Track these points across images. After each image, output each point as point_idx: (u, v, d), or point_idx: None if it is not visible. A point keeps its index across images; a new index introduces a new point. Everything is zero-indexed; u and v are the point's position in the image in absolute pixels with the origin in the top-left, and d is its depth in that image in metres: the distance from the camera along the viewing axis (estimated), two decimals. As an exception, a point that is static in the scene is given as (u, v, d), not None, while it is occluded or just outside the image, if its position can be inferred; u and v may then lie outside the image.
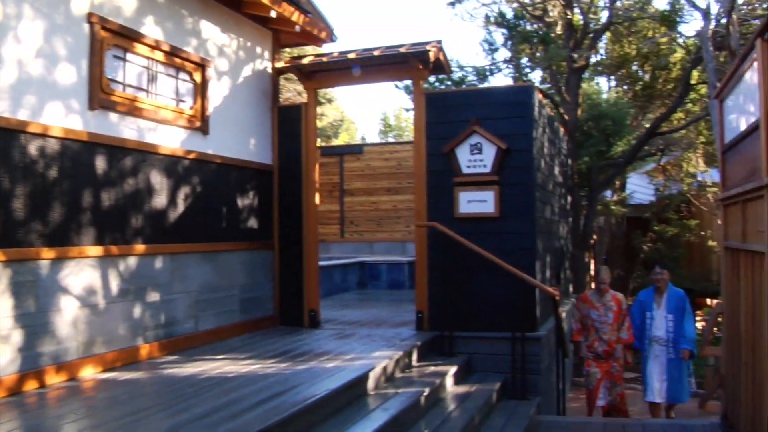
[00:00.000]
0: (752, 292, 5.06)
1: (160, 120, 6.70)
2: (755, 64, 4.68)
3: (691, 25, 51.72)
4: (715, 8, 12.24)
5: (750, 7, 13.33)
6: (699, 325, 16.21)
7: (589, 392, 8.40)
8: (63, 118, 5.58)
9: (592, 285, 9.34)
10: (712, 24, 11.77)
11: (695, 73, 15.14)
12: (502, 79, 42.28)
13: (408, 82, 14.95)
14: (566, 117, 15.19)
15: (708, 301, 17.26)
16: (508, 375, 7.45)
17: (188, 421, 4.31)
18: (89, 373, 5.72)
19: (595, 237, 17.99)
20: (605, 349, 8.25)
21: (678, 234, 17.64)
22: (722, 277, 6.64)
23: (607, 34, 16.94)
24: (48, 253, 5.40)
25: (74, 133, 5.66)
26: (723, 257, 6.49)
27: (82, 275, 5.73)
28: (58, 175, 5.53)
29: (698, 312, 17.15)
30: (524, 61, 17.39)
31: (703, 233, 18.60)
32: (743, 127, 5.35)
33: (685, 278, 16.80)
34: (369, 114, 74.50)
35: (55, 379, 5.38)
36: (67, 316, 5.56)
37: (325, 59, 8.35)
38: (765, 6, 12.90)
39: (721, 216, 6.60)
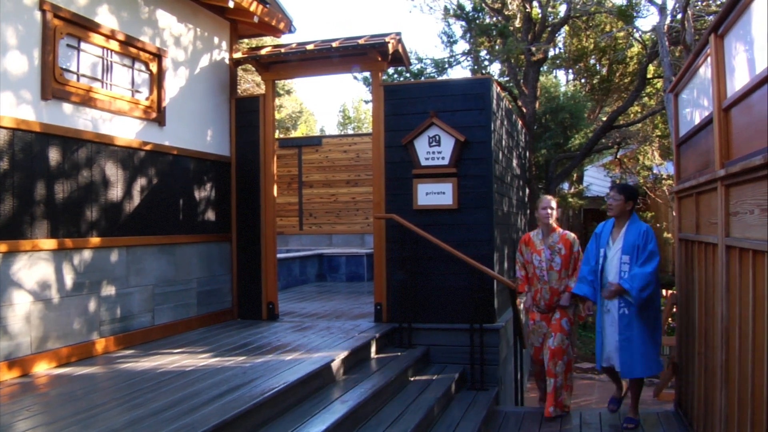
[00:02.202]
0: (705, 283, 5.15)
1: (115, 111, 6.60)
2: (709, 59, 4.75)
3: (647, 20, 52.38)
4: (670, 4, 12.39)
5: (704, 3, 13.54)
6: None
7: (535, 350, 6.92)
8: (14, 108, 5.46)
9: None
10: (668, 19, 11.92)
11: (651, 68, 15.34)
12: (460, 72, 42.56)
13: (367, 73, 14.92)
14: (524, 109, 15.30)
15: (663, 291, 17.51)
16: (466, 366, 7.50)
17: (145, 416, 4.26)
18: (43, 368, 5.63)
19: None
20: (547, 303, 6.74)
21: (634, 226, 17.83)
22: (676, 268, 6.74)
23: (565, 27, 17.10)
24: (0, 247, 5.29)
25: (26, 124, 5.54)
26: (677, 249, 6.58)
27: (35, 269, 5.63)
28: (10, 166, 5.41)
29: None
30: (483, 53, 17.46)
31: (658, 225, 18.88)
32: (697, 120, 5.44)
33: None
34: (328, 106, 74.42)
35: (7, 376, 5.28)
36: (20, 311, 5.46)
37: (283, 50, 8.29)
38: (719, 2, 13.10)
39: (675, 208, 6.70)
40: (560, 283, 6.70)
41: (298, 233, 16.26)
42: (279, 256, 9.54)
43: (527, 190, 13.18)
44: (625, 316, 5.98)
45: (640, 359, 5.94)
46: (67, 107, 6.03)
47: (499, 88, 8.83)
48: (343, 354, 6.25)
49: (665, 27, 11.55)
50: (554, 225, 6.82)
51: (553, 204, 6.81)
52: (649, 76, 15.31)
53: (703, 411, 5.21)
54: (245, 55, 8.64)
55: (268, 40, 18.71)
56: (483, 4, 16.30)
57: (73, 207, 6.09)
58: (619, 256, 6.11)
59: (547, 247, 6.75)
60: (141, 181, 6.97)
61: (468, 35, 17.15)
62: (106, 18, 6.51)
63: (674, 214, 7.22)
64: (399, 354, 7.29)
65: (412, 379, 6.94)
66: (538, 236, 6.84)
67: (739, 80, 4.00)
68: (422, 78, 16.22)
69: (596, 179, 21.22)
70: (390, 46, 7.83)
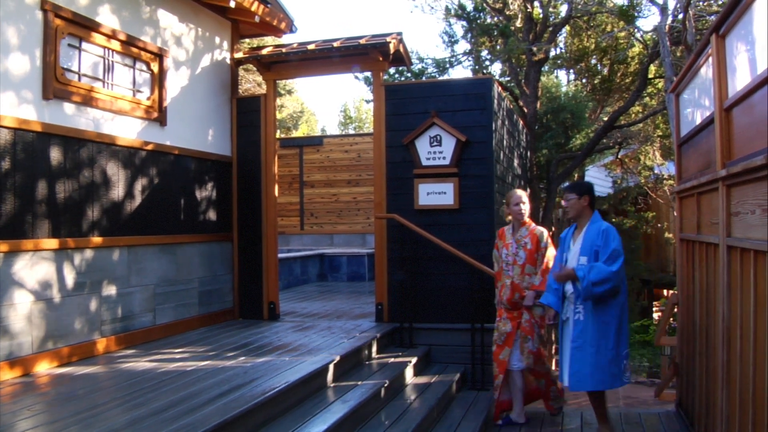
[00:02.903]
0: (706, 283, 5.15)
1: (116, 110, 6.60)
2: (710, 59, 4.75)
3: (648, 20, 52.34)
4: (672, 4, 12.38)
5: (706, 3, 13.52)
6: (655, 315, 16.51)
7: (497, 347, 6.48)
8: (16, 108, 5.46)
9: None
10: (669, 19, 11.90)
11: (653, 68, 15.32)
12: (461, 72, 42.56)
13: (368, 73, 14.92)
14: (525, 109, 15.29)
15: (664, 291, 17.51)
16: (467, 365, 7.50)
17: (146, 416, 4.26)
18: (44, 368, 5.63)
19: (553, 228, 18.16)
20: (509, 297, 6.40)
21: (635, 226, 17.85)
22: (678, 269, 6.74)
23: (567, 27, 17.07)
24: (1, 246, 5.29)
25: (28, 124, 5.55)
26: (678, 249, 6.58)
27: (36, 269, 5.63)
28: (12, 166, 5.42)
29: (655, 303, 17.43)
30: (484, 53, 17.45)
31: (659, 225, 18.86)
32: (698, 120, 5.44)
33: (642, 269, 17.04)
34: (329, 106, 74.37)
35: (8, 375, 5.29)
36: (21, 311, 5.46)
37: (284, 50, 8.29)
38: (720, 2, 13.09)
39: (676, 208, 6.69)
40: (522, 279, 6.39)
41: (300, 233, 16.27)
42: (280, 255, 9.54)
43: (528, 190, 13.18)
44: (579, 322, 5.48)
45: (590, 370, 5.41)
46: (68, 107, 6.03)
47: (500, 88, 8.83)
48: (344, 354, 6.25)
49: (666, 27, 11.54)
50: (526, 219, 6.54)
51: (525, 198, 6.53)
52: (650, 76, 15.28)
53: (705, 411, 5.21)
54: (246, 55, 8.64)
55: (270, 40, 18.72)
56: (484, 4, 16.29)
57: (75, 207, 6.09)
58: (577, 258, 5.62)
59: (515, 240, 6.50)
60: (142, 181, 6.97)
61: (469, 35, 17.14)
62: (107, 18, 6.51)
63: (675, 214, 7.19)
64: (400, 354, 7.29)
65: (413, 378, 6.94)
66: (510, 230, 6.62)
67: (740, 80, 4.00)
68: (423, 78, 16.22)
69: (597, 179, 21.16)
70: (391, 45, 7.83)
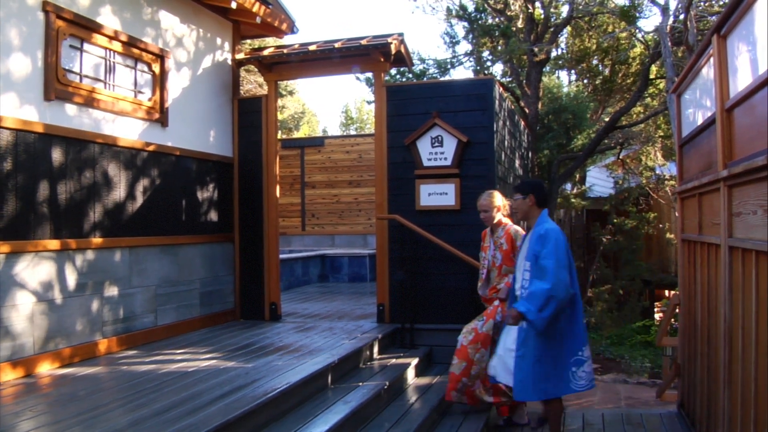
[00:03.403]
0: (708, 284, 5.15)
1: (118, 111, 6.61)
2: (711, 59, 4.75)
3: (650, 21, 52.28)
4: (673, 4, 12.39)
5: (707, 3, 13.52)
6: (657, 316, 16.49)
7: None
8: (17, 109, 5.46)
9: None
10: (671, 20, 11.90)
11: (654, 68, 15.32)
12: (463, 72, 42.54)
13: (369, 74, 14.92)
14: (527, 110, 15.29)
15: (666, 292, 17.48)
16: (469, 367, 7.49)
17: (148, 417, 4.26)
18: (46, 369, 5.64)
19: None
20: (483, 296, 6.47)
21: (637, 226, 17.79)
22: (679, 269, 6.73)
23: (568, 28, 17.08)
24: (3, 247, 5.30)
25: (29, 125, 5.55)
26: (680, 249, 6.58)
27: (38, 269, 5.63)
28: (13, 167, 5.42)
29: (656, 303, 17.40)
30: (485, 54, 17.46)
31: (661, 226, 18.82)
32: (700, 121, 5.44)
33: (643, 270, 17.02)
34: (330, 106, 74.35)
35: (10, 376, 5.29)
36: (23, 312, 5.47)
37: (285, 51, 8.30)
38: (721, 3, 13.09)
39: (678, 209, 6.68)
40: (500, 280, 6.24)
41: (301, 234, 16.27)
42: (281, 256, 9.55)
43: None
44: (522, 330, 5.28)
45: (533, 380, 5.23)
46: (70, 108, 6.03)
47: (501, 89, 8.83)
48: (346, 355, 6.25)
49: (668, 27, 11.54)
50: (502, 220, 6.34)
51: (489, 202, 6.28)
52: (651, 76, 15.29)
53: (706, 411, 5.21)
54: (248, 56, 8.64)
55: (271, 41, 18.72)
56: (485, 5, 16.30)
57: (76, 208, 6.10)
58: (523, 262, 5.47)
59: (493, 242, 6.37)
60: (144, 182, 6.97)
61: (470, 36, 17.15)
62: (108, 19, 6.52)
63: (677, 214, 7.18)
64: (401, 355, 7.29)
65: (414, 379, 6.94)
66: (489, 232, 6.48)
67: (741, 81, 4.00)
68: (425, 78, 16.22)
69: (599, 180, 21.17)
70: (392, 46, 7.84)
